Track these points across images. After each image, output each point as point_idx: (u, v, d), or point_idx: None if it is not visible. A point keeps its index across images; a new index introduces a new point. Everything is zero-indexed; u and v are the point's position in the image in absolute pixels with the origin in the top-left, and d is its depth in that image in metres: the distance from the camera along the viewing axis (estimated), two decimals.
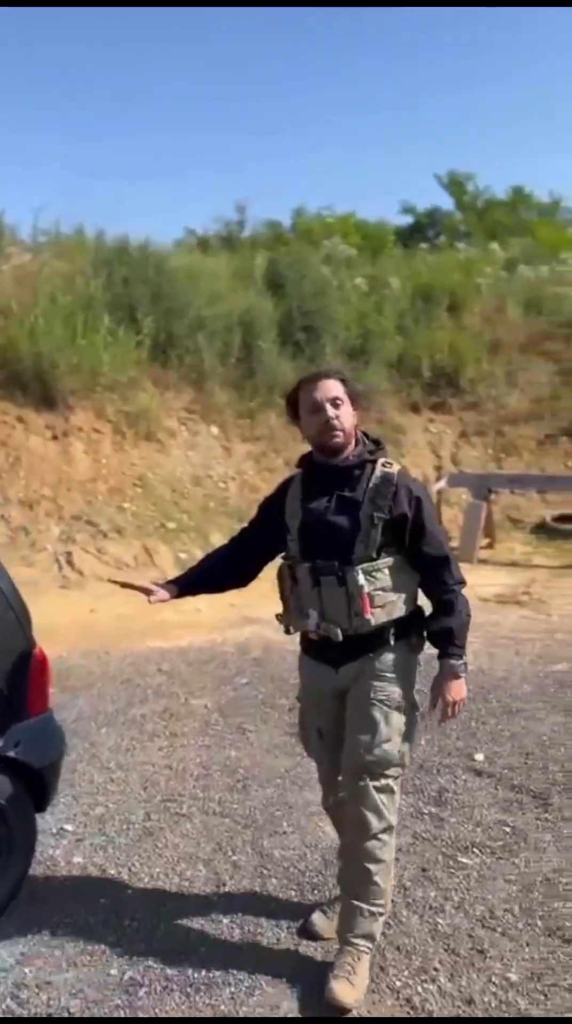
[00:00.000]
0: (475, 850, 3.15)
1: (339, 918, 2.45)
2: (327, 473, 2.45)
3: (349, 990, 2.27)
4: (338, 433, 2.40)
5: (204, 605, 7.08)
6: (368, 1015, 2.28)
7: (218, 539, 8.79)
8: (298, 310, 11.77)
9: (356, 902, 2.37)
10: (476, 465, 11.11)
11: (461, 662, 2.42)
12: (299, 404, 2.47)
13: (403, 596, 2.40)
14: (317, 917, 2.63)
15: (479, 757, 3.99)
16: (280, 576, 2.53)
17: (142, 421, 9.62)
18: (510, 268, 13.68)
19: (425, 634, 2.47)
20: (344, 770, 2.42)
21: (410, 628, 2.44)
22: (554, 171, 43.83)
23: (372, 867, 2.36)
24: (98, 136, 45.65)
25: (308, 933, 2.60)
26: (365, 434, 2.52)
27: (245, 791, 3.61)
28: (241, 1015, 2.27)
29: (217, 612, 6.92)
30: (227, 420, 10.51)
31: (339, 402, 2.41)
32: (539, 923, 2.70)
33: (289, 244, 14.14)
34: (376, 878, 2.37)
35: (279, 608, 2.56)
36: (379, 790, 2.37)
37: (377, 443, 2.51)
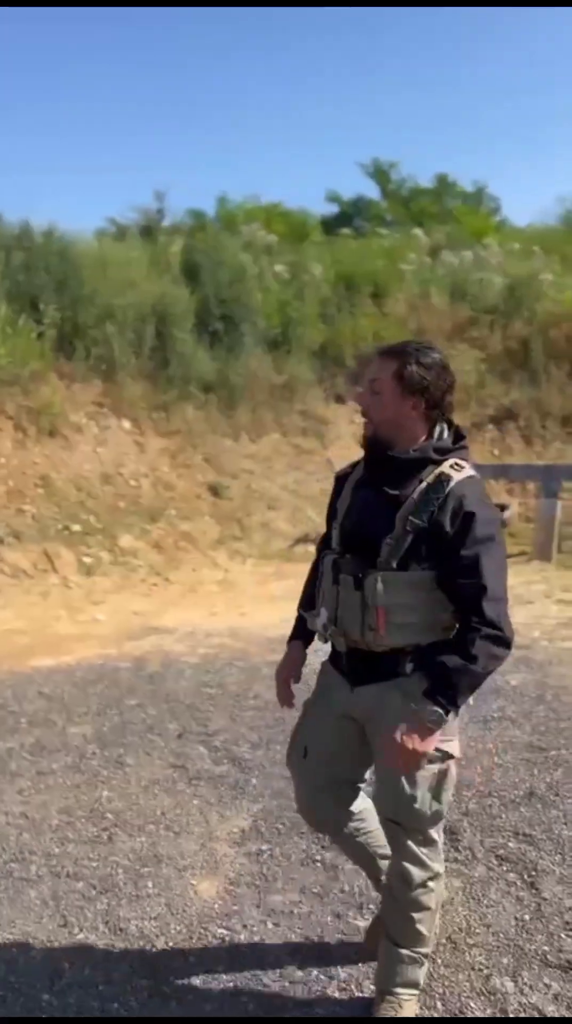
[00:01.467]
0: (370, 907, 2.68)
1: (378, 965, 2.24)
2: (382, 463, 2.07)
3: None
4: (369, 425, 2.05)
5: (104, 614, 6.53)
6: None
7: (128, 541, 8.25)
8: (215, 299, 11.26)
9: (399, 948, 2.16)
10: None
11: (439, 711, 1.89)
12: None
13: (429, 621, 1.99)
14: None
15: None
16: (315, 560, 2.29)
17: (45, 417, 8.99)
18: (434, 254, 13.36)
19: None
20: (379, 813, 2.18)
21: (430, 661, 2.00)
22: (477, 159, 43.93)
23: (416, 915, 2.14)
24: (11, 128, 44.15)
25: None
26: (453, 426, 2.09)
27: (110, 843, 3.08)
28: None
29: (118, 621, 6.37)
30: (140, 413, 9.94)
31: (377, 388, 2.02)
32: (438, 1003, 2.24)
33: (207, 233, 13.58)
34: (420, 926, 2.15)
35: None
36: (418, 843, 2.11)
37: (459, 440, 2.08)
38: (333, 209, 20.59)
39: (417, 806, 2.03)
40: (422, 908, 2.13)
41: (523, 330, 11.94)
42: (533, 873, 2.84)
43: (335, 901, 2.72)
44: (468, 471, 1.98)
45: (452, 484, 1.94)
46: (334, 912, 2.66)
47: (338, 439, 11.10)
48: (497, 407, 11.39)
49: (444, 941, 2.51)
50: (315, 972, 2.38)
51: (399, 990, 2.14)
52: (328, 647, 2.18)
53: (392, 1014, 2.11)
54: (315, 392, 11.39)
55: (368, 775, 2.23)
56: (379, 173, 19.89)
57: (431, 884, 2.12)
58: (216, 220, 18.67)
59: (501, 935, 2.53)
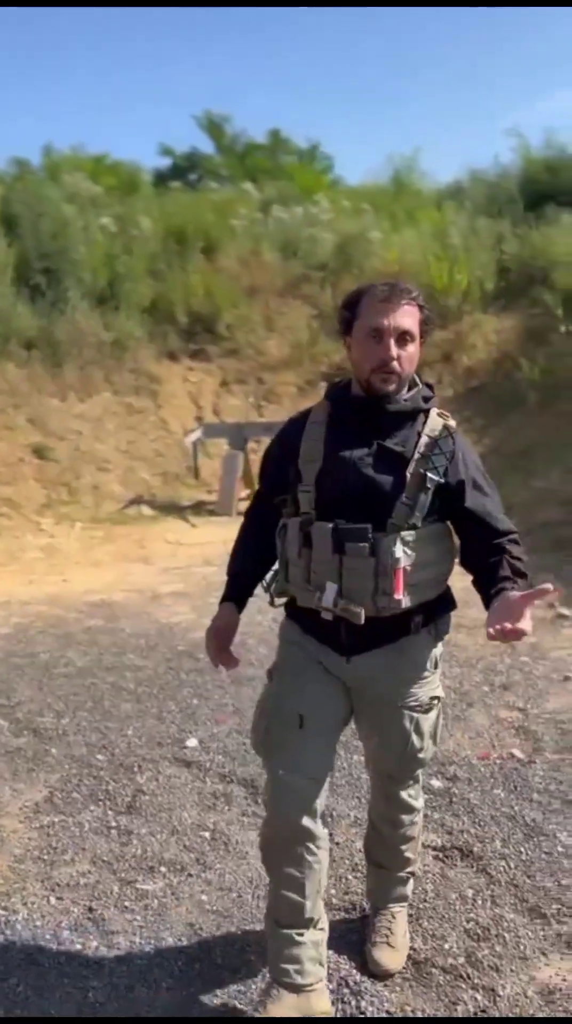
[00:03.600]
0: (162, 869, 2.61)
1: (368, 886, 2.33)
2: (369, 415, 1.93)
3: (392, 954, 2.16)
4: (394, 378, 1.90)
5: None
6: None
7: None
8: (36, 251, 10.65)
9: (389, 871, 2.25)
10: (238, 414, 10.65)
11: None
12: (358, 318, 1.93)
13: (440, 574, 1.97)
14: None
15: (192, 743, 3.46)
16: (281, 535, 2.01)
17: None
18: (265, 210, 13.19)
19: (481, 597, 1.91)
20: (371, 770, 2.23)
21: (436, 612, 2.00)
22: (311, 117, 43.87)
23: (404, 846, 2.22)
24: None
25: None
26: (418, 376, 2.02)
27: None
28: None
29: None
30: None
31: (408, 339, 1.90)
32: (218, 959, 2.20)
33: (26, 180, 12.81)
34: (407, 852, 2.24)
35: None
36: (407, 789, 2.15)
37: (429, 387, 2.02)
38: (167, 163, 20.03)
39: (421, 755, 2.04)
40: (408, 839, 2.21)
41: (353, 288, 12.03)
42: (330, 819, 2.84)
43: (126, 868, 2.62)
44: (451, 418, 1.98)
45: (457, 436, 1.93)
46: (123, 879, 2.56)
47: (172, 397, 10.85)
48: (329, 364, 11.45)
49: (235, 896, 2.47)
50: (95, 943, 2.28)
51: (392, 905, 2.25)
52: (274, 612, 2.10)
53: (387, 923, 2.21)
54: (147, 349, 11.03)
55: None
56: (212, 127, 19.44)
57: (417, 819, 2.22)
58: (41, 170, 17.71)
59: None
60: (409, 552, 1.85)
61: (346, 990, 2.07)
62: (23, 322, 10.01)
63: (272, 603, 2.07)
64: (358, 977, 2.12)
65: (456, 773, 3.16)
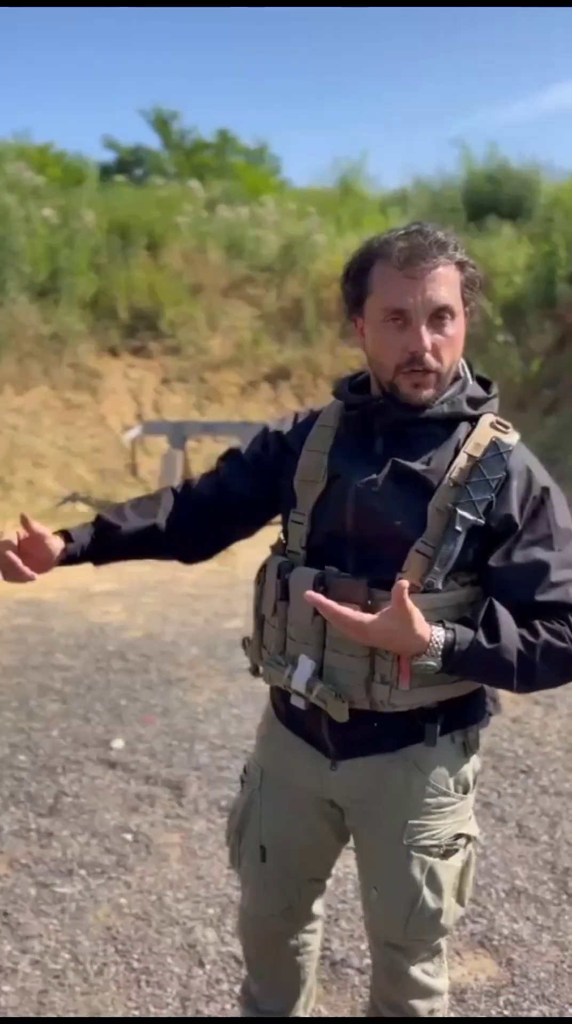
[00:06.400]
0: (81, 871, 2.57)
1: None
2: (388, 423, 1.38)
3: None
4: (431, 379, 1.34)
5: None
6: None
7: None
8: None
9: None
10: (179, 413, 10.59)
11: (441, 649, 1.26)
12: (370, 294, 1.34)
13: None
14: None
15: (118, 744, 3.43)
16: (260, 575, 1.51)
17: None
18: (211, 208, 13.15)
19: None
20: (371, 936, 1.56)
21: (465, 714, 1.42)
22: (260, 118, 43.94)
23: None
24: None
25: None
26: (469, 365, 1.45)
27: None
28: None
29: None
30: None
31: (447, 316, 1.32)
32: (134, 963, 2.18)
33: None
34: None
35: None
36: (424, 962, 1.50)
37: (485, 384, 1.45)
38: (112, 156, 19.82)
39: (440, 921, 1.43)
40: None
41: (297, 290, 12.07)
42: None
43: (44, 871, 2.58)
44: (513, 432, 1.37)
45: (513, 454, 1.33)
46: (39, 882, 2.52)
47: (112, 393, 10.72)
48: (272, 366, 11.47)
49: (154, 899, 2.45)
50: (8, 947, 2.24)
51: None
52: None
53: None
54: (87, 344, 10.89)
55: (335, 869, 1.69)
56: (160, 122, 19.30)
57: (437, 1007, 1.55)
58: None
59: (212, 886, 2.51)
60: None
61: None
62: None
63: (255, 672, 1.56)
64: None
65: None
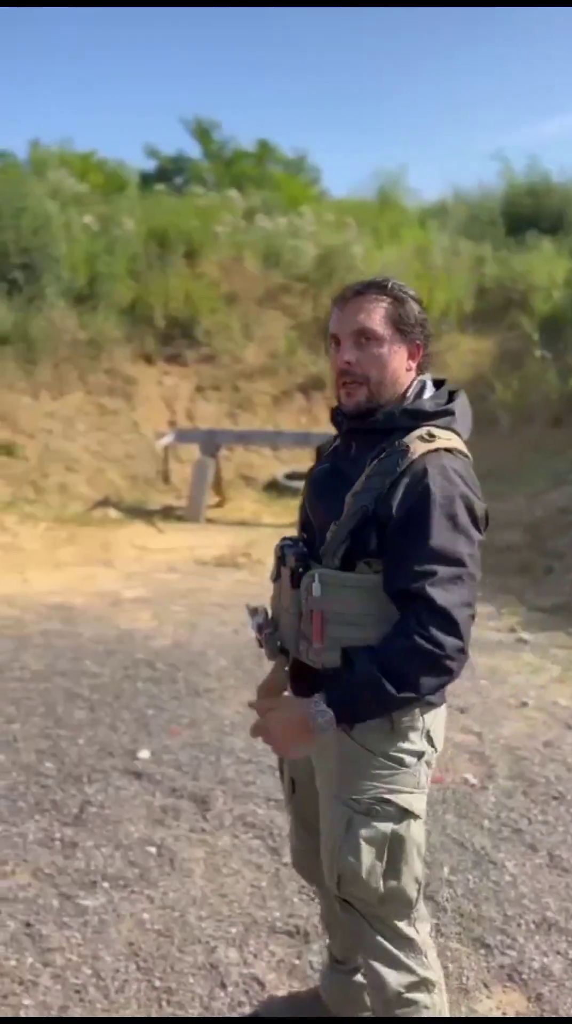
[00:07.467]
0: (104, 884, 2.55)
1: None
2: (343, 432, 1.69)
3: None
4: (358, 389, 1.58)
5: None
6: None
7: None
8: (16, 246, 10.56)
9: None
10: (212, 421, 10.61)
11: (326, 712, 1.46)
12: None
13: (377, 638, 1.50)
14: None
15: (144, 754, 3.41)
16: None
17: None
18: (249, 218, 13.20)
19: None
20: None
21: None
22: (300, 127, 44.00)
23: None
24: None
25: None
26: (436, 384, 1.66)
27: None
28: None
29: None
30: None
31: (369, 337, 1.57)
32: (156, 981, 2.15)
33: (8, 173, 12.68)
34: None
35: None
36: (382, 934, 1.60)
37: (449, 401, 1.62)
38: (152, 164, 19.98)
39: (363, 876, 1.54)
40: None
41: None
42: (279, 838, 2.81)
43: (67, 882, 2.56)
44: (443, 443, 1.52)
45: (415, 455, 1.50)
46: (63, 894, 2.50)
47: (147, 400, 10.78)
48: (306, 376, 11.46)
49: (176, 916, 2.42)
50: (30, 960, 2.22)
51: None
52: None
53: None
54: (123, 350, 10.96)
55: None
56: (200, 132, 19.43)
57: (416, 996, 1.60)
58: (27, 164, 17.60)
59: (235, 905, 2.48)
60: (328, 595, 1.52)
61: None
62: None
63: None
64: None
65: None
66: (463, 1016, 2.08)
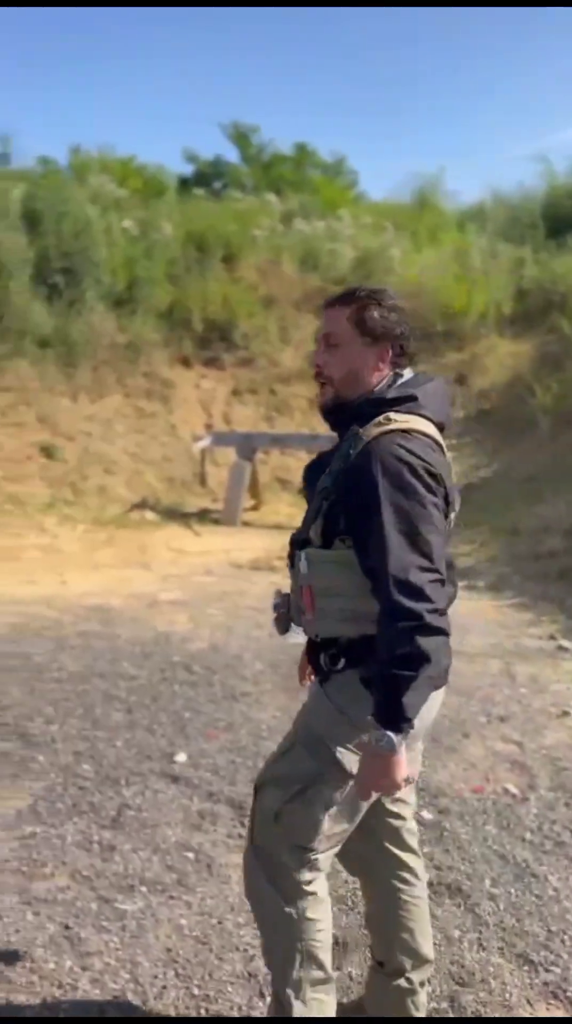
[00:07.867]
0: (142, 888, 2.55)
1: None
2: (330, 425, 1.85)
3: None
4: (326, 389, 1.77)
5: None
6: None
7: None
8: (57, 250, 10.68)
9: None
10: (248, 424, 10.62)
11: (382, 735, 1.52)
12: None
13: (359, 610, 1.64)
14: None
15: (181, 758, 3.40)
16: None
17: None
18: (287, 222, 13.20)
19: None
20: None
21: (365, 657, 1.63)
22: (338, 131, 43.86)
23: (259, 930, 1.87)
24: None
25: None
26: (398, 376, 1.76)
27: None
28: None
29: None
30: None
31: (329, 344, 1.75)
32: (194, 989, 2.14)
33: (50, 178, 12.84)
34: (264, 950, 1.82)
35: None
36: (258, 856, 1.76)
37: (409, 390, 1.71)
38: (191, 169, 20.07)
39: (279, 784, 1.73)
40: (263, 927, 1.78)
41: None
42: None
43: (105, 885, 2.56)
44: (399, 424, 1.63)
45: (370, 440, 1.62)
46: (101, 897, 2.50)
47: (184, 403, 10.83)
48: None
49: (214, 923, 2.41)
50: (68, 963, 2.22)
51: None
52: None
53: None
54: (161, 354, 11.02)
55: (410, 812, 1.93)
56: (238, 136, 19.47)
57: (288, 887, 1.72)
58: (68, 170, 17.80)
59: None
60: (313, 570, 1.68)
61: None
62: (39, 320, 10.02)
63: None
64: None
65: (448, 806, 3.09)
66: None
